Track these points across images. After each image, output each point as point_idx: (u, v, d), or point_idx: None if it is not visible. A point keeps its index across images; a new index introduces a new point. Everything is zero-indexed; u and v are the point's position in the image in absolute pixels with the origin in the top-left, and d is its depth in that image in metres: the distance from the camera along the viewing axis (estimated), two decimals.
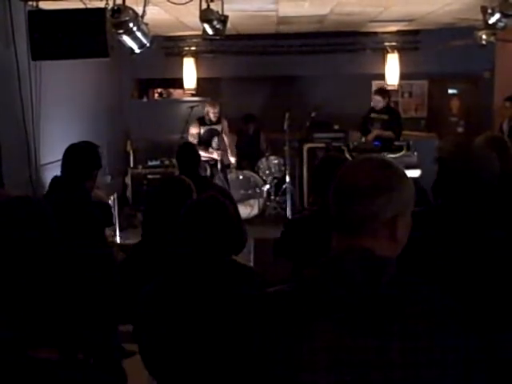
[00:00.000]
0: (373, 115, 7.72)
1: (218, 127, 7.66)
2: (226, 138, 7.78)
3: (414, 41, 8.87)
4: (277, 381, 1.33)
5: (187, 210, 2.19)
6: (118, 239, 6.61)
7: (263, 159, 8.22)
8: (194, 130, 7.52)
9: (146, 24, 4.65)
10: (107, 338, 2.82)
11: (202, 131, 7.54)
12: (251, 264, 5.41)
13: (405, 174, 1.40)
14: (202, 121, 7.54)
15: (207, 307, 2.04)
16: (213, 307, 2.04)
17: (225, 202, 2.26)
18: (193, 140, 7.22)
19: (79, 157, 3.43)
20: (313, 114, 7.85)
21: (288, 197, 7.48)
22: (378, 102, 7.63)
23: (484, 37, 6.28)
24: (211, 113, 7.49)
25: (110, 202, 5.92)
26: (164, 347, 2.08)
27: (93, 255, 3.06)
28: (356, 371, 1.27)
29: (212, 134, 7.61)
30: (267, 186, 7.99)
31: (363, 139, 7.51)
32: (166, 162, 7.98)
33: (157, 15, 5.92)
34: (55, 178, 3.47)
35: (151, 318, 2.12)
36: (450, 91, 9.81)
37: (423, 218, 2.23)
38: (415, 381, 1.28)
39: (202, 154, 7.23)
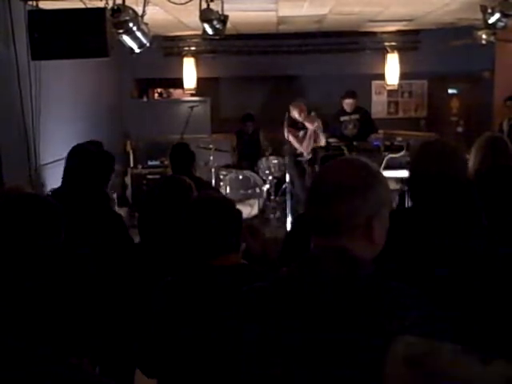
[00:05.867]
0: (344, 118, 7.81)
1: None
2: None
3: (414, 41, 8.88)
4: (252, 376, 1.34)
5: (190, 208, 2.16)
6: None
7: (263, 159, 8.19)
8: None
9: (146, 24, 4.66)
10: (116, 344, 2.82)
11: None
12: None
13: (381, 175, 1.41)
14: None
15: (216, 307, 2.01)
16: (221, 307, 2.01)
17: (227, 200, 2.24)
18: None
19: (98, 162, 3.36)
20: (312, 114, 7.85)
21: (288, 197, 7.46)
22: (350, 105, 7.78)
23: (484, 36, 6.27)
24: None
25: None
26: (170, 346, 2.07)
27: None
28: (330, 367, 1.28)
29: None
30: (267, 186, 7.97)
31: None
32: (166, 162, 7.96)
33: (157, 15, 5.91)
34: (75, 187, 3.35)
35: (161, 317, 2.10)
36: (450, 91, 9.80)
37: (395, 219, 2.25)
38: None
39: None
